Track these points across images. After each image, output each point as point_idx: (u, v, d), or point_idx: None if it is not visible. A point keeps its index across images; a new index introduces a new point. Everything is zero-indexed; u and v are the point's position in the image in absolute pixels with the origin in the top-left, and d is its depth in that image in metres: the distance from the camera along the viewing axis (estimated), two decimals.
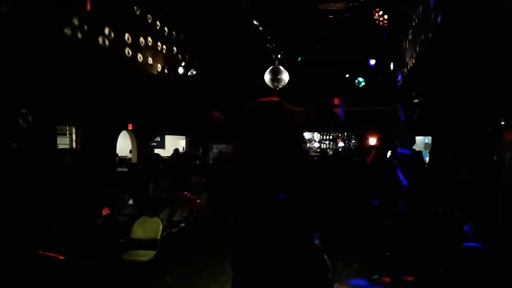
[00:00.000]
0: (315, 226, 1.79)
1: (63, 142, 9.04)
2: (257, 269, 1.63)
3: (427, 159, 13.35)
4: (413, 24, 8.46)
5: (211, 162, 13.76)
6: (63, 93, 6.54)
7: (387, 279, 6.01)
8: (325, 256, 1.74)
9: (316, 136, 18.95)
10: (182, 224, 8.58)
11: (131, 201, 7.63)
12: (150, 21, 8.78)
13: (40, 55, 5.87)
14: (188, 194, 8.71)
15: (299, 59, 10.03)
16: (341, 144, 18.48)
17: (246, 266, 1.68)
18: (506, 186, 8.21)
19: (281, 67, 9.26)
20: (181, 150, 15.54)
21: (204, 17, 9.76)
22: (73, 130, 8.00)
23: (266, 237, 1.62)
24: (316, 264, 1.68)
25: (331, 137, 18.74)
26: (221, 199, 1.89)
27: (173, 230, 8.10)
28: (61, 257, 4.15)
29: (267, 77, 9.33)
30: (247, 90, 11.21)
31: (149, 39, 8.78)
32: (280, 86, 9.32)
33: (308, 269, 1.63)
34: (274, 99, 1.87)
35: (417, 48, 7.82)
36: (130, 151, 9.87)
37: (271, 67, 9.36)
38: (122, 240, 5.82)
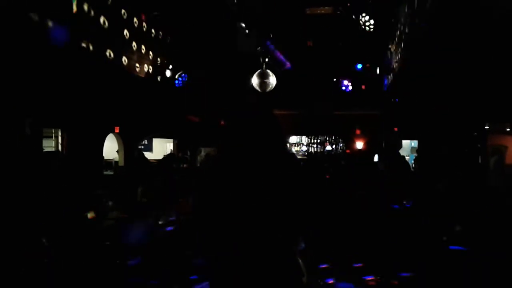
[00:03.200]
0: (296, 229, 1.81)
1: (48, 145, 8.96)
2: (231, 270, 1.64)
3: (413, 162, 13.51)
4: (399, 29, 8.56)
5: (199, 165, 13.74)
6: (48, 95, 6.48)
7: (372, 283, 6.04)
8: (300, 259, 1.76)
9: (304, 139, 19.00)
10: (169, 228, 8.53)
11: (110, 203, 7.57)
12: (136, 23, 8.75)
13: (24, 57, 5.82)
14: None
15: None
16: (328, 147, 18.56)
17: (221, 268, 1.70)
18: (491, 190, 8.33)
19: (268, 71, 9.29)
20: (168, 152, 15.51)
21: (192, 20, 9.76)
22: (59, 133, 7.94)
23: (242, 240, 1.64)
24: (290, 267, 1.70)
25: (318, 140, 18.80)
26: (204, 202, 1.90)
27: (160, 234, 8.06)
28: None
29: (254, 80, 9.36)
30: (234, 93, 11.24)
31: (137, 41, 8.74)
32: (267, 90, 9.35)
33: (282, 272, 1.64)
34: (258, 104, 1.89)
35: (403, 53, 7.91)
36: (117, 151, 9.77)
37: (259, 70, 9.39)
38: (107, 244, 5.78)
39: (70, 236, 5.46)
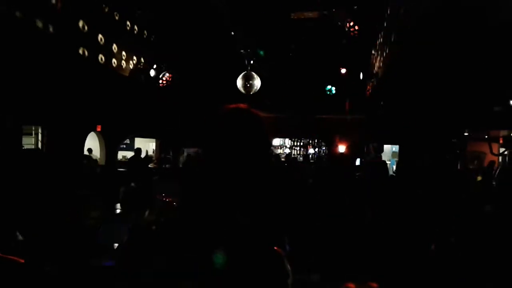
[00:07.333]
0: (279, 231, 1.82)
1: (28, 143, 8.82)
2: (213, 270, 1.64)
3: (394, 167, 13.69)
4: (381, 35, 8.66)
5: (181, 166, 13.67)
6: (29, 92, 6.38)
7: (351, 285, 6.07)
8: (286, 261, 1.77)
9: (287, 142, 19.08)
10: (151, 228, 8.47)
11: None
12: (117, 19, 8.66)
13: (4, 53, 5.72)
14: (164, 198, 8.59)
15: (261, 53, 10.13)
16: (311, 150, 18.67)
17: (203, 267, 1.70)
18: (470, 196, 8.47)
19: (253, 73, 9.31)
20: (150, 153, 15.39)
21: (177, 20, 9.70)
22: (39, 130, 7.83)
23: (224, 241, 1.64)
24: (275, 269, 1.70)
25: (301, 143, 18.90)
26: (188, 202, 1.90)
27: (142, 234, 7.99)
28: (21, 261, 4.03)
29: (239, 82, 9.36)
30: (218, 94, 11.21)
31: (121, 40, 8.66)
32: (252, 92, 9.37)
33: (267, 273, 1.65)
34: (242, 106, 1.89)
35: (385, 59, 8.01)
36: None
37: (243, 72, 9.40)
38: (88, 244, 5.71)
39: (50, 235, 5.38)
